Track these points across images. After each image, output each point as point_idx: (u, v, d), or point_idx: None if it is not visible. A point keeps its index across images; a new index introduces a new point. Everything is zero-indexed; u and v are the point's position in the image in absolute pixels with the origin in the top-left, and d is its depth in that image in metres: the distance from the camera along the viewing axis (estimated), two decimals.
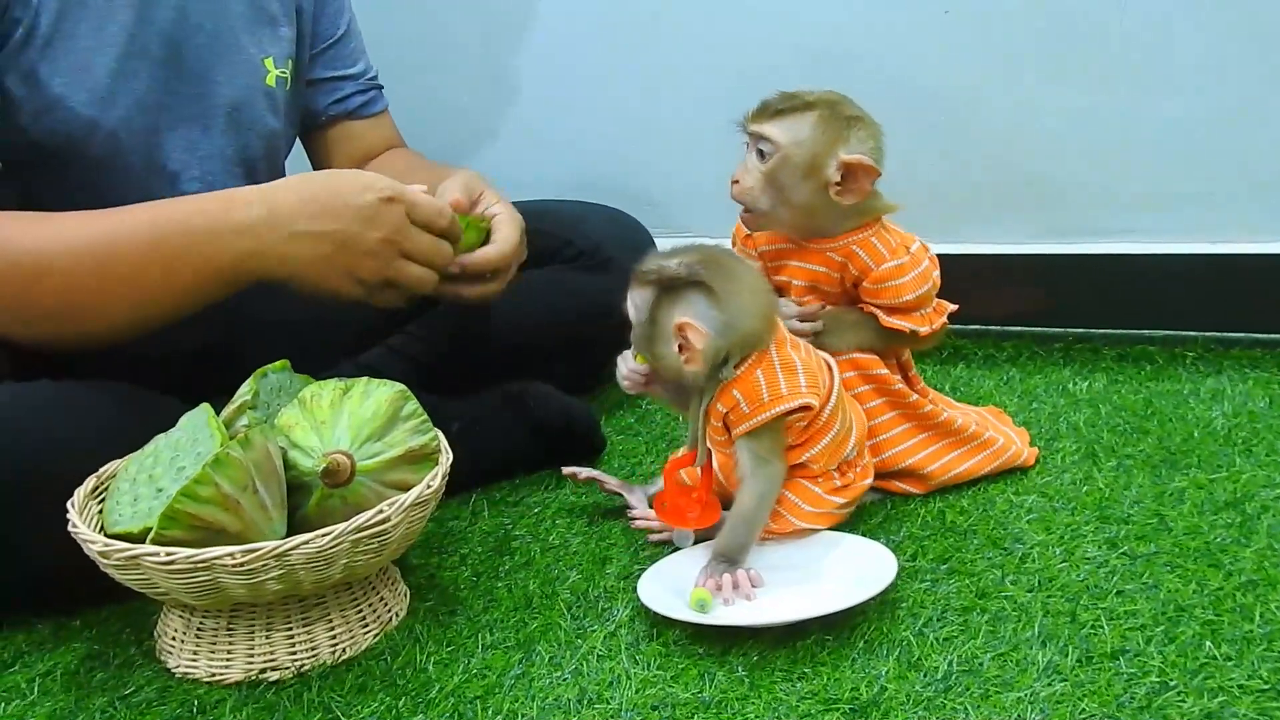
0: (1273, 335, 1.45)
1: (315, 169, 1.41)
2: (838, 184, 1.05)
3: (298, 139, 1.39)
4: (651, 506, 1.06)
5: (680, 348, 0.96)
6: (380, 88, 1.42)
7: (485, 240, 1.14)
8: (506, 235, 1.14)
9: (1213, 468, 1.12)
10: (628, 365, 1.05)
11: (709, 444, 1.02)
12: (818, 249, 1.10)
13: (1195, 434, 1.21)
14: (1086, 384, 1.38)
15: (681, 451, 1.07)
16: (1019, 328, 1.56)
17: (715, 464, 1.02)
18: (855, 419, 1.05)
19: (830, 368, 1.03)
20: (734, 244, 1.17)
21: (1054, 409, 1.31)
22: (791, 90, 1.08)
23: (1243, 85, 1.37)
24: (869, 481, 1.06)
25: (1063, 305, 1.52)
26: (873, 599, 0.89)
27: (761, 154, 1.07)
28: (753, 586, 0.94)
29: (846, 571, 0.94)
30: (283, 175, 1.34)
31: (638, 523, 1.07)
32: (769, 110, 1.07)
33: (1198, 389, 1.34)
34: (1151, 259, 1.45)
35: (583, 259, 1.35)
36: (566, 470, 1.16)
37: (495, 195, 1.18)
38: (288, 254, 1.00)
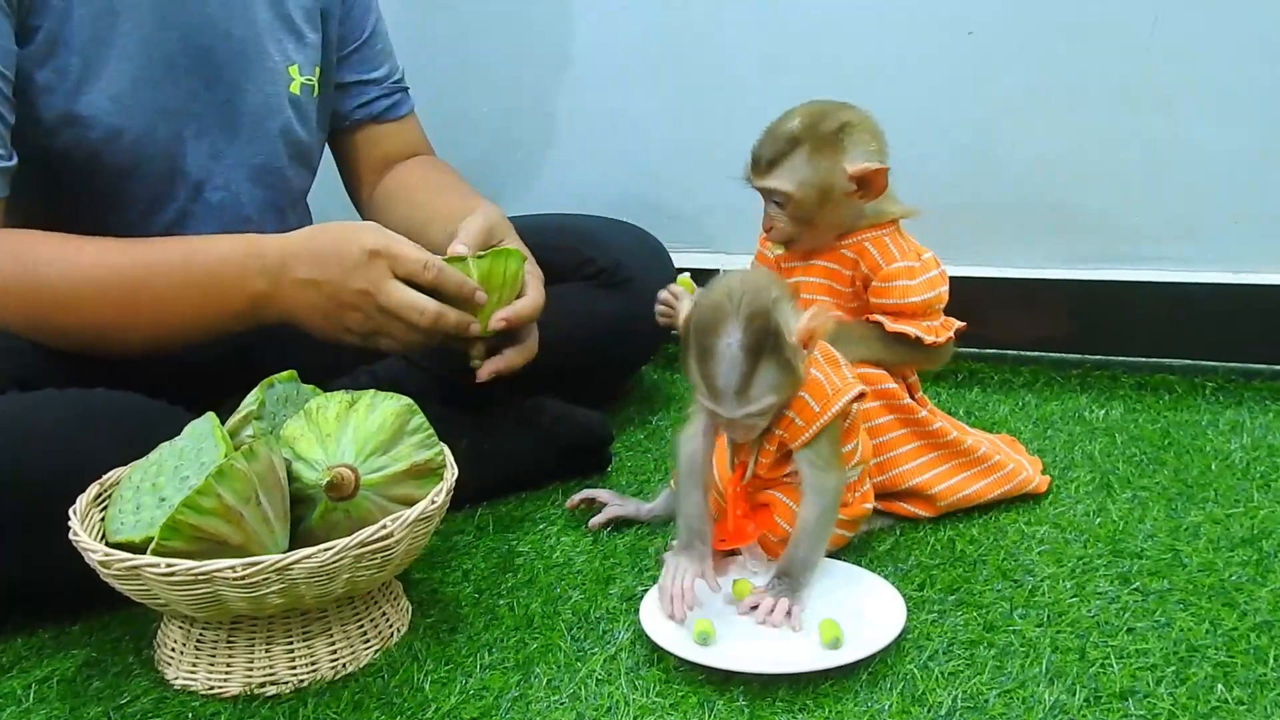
0: None
1: (341, 173, 1.41)
2: (856, 190, 1.06)
3: (328, 143, 1.38)
4: None
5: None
6: (405, 90, 1.41)
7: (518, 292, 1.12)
8: (538, 291, 1.14)
9: (1230, 502, 1.10)
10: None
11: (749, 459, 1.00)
12: (832, 246, 1.10)
13: (1213, 467, 1.19)
14: (1103, 412, 1.37)
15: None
16: (1037, 353, 1.54)
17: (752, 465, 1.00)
18: (862, 438, 1.04)
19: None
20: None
21: (1069, 437, 1.29)
22: (773, 125, 1.07)
23: (1269, 114, 1.36)
24: (869, 506, 1.05)
25: (1082, 332, 1.50)
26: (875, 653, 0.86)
27: (777, 203, 1.07)
28: (793, 629, 0.91)
29: (855, 617, 0.91)
30: (312, 180, 1.33)
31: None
32: (762, 164, 1.07)
33: (1216, 420, 1.32)
34: (1173, 287, 1.43)
35: (603, 276, 1.34)
36: (572, 502, 1.17)
37: (516, 242, 1.17)
38: (291, 299, 1.04)
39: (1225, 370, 1.44)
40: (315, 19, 1.28)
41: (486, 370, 1.10)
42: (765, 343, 0.89)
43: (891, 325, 1.08)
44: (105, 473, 0.96)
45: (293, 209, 1.31)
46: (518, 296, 1.11)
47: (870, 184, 1.06)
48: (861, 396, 0.98)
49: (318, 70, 1.28)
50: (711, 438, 0.99)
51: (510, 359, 1.12)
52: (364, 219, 1.36)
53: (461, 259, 1.07)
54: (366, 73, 1.36)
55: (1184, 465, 1.20)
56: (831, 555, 1.01)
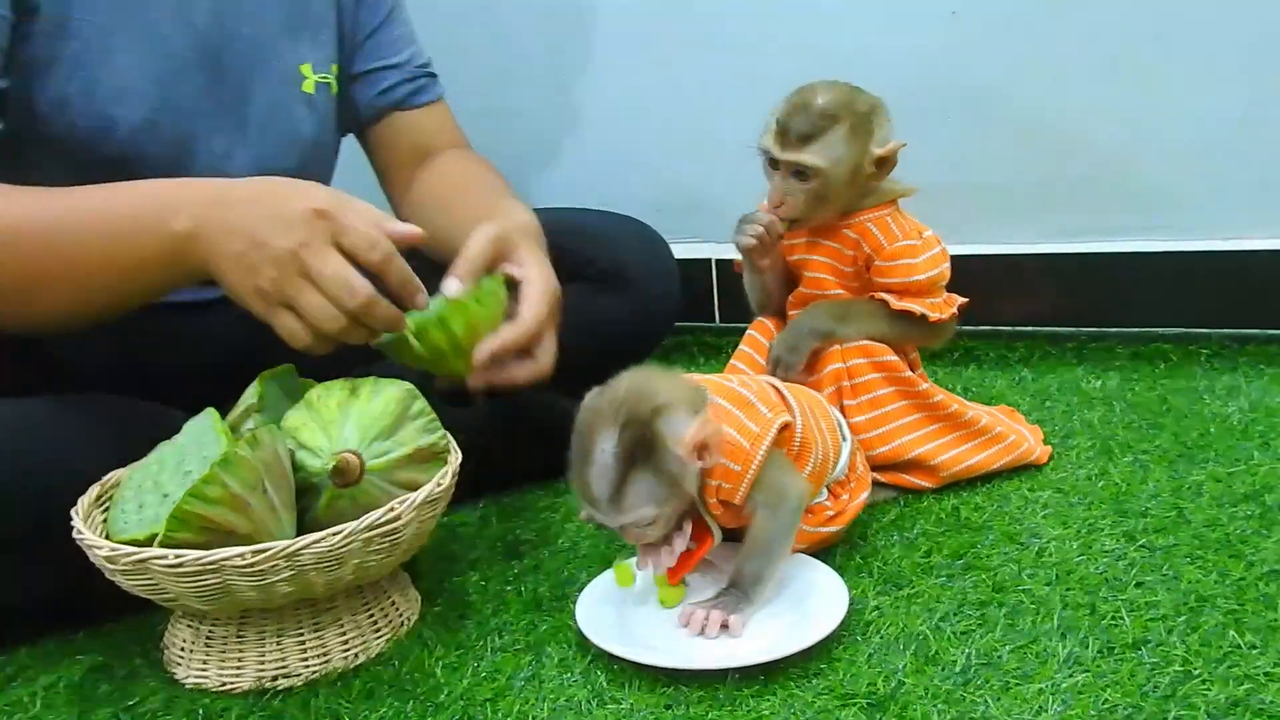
0: None
1: (375, 171, 1.33)
2: (874, 171, 1.08)
3: (357, 139, 1.31)
4: None
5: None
6: (432, 75, 1.31)
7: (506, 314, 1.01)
8: (530, 312, 1.01)
9: (1230, 461, 1.11)
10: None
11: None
12: (834, 226, 1.11)
13: (1212, 429, 1.19)
14: (1100, 382, 1.37)
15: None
16: (1031, 328, 1.54)
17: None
18: (830, 435, 1.00)
19: (779, 389, 0.98)
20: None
21: (1067, 407, 1.30)
22: (802, 99, 1.07)
23: (1256, 81, 1.37)
24: (865, 497, 1.02)
25: (1075, 305, 1.51)
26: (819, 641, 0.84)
27: (801, 176, 1.07)
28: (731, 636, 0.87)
29: (799, 609, 0.89)
30: (328, 183, 1.26)
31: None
32: (795, 136, 1.06)
33: (1213, 385, 1.32)
34: (1165, 256, 1.44)
35: (604, 277, 1.31)
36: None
37: (531, 253, 1.06)
38: (214, 244, 0.90)
39: (1220, 337, 1.45)
40: (332, 14, 1.22)
41: (480, 379, 1.00)
42: (638, 453, 0.84)
43: (896, 303, 1.09)
44: (96, 478, 0.94)
45: None
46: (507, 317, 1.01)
47: (888, 163, 1.08)
48: (786, 428, 0.93)
49: (334, 67, 1.22)
50: None
51: (513, 373, 1.02)
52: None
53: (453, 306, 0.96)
54: (385, 59, 1.27)
55: (1183, 429, 1.20)
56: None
